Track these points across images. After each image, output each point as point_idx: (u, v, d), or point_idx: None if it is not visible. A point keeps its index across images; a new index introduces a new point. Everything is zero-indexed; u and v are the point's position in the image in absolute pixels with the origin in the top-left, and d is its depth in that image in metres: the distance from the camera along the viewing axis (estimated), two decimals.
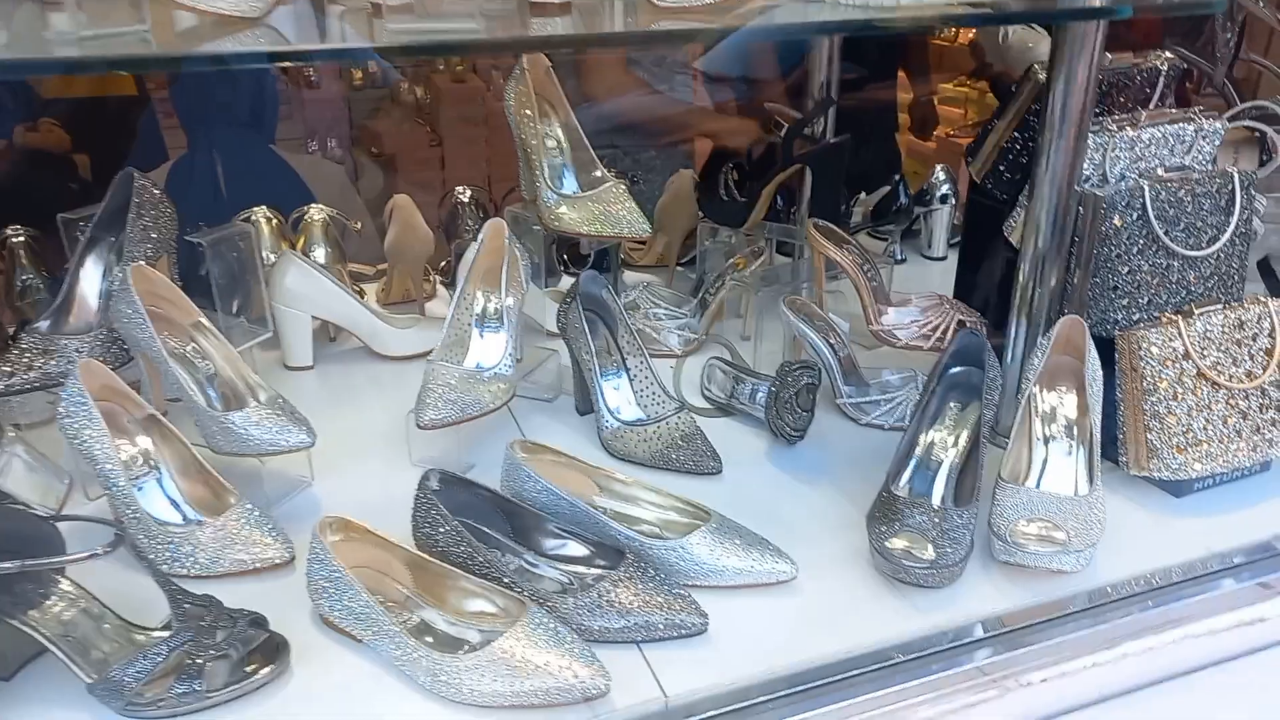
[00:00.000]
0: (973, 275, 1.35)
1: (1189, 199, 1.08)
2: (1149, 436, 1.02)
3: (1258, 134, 1.50)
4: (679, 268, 1.70)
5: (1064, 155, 1.03)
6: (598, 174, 1.22)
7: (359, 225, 1.49)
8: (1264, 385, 1.05)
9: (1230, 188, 1.10)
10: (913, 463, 1.01)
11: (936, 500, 0.98)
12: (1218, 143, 1.14)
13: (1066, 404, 1.04)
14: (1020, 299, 1.10)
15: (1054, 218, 1.05)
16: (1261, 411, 1.04)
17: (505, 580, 0.87)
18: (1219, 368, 1.03)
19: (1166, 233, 1.08)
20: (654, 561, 0.92)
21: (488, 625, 0.85)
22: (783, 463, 1.15)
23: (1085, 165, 1.08)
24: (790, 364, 1.17)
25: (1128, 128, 1.09)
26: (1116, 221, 1.06)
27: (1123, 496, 1.07)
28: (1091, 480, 0.97)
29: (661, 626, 0.85)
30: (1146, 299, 1.09)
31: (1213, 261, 1.11)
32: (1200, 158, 1.14)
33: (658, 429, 1.14)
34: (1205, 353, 1.03)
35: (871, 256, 1.34)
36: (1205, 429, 1.02)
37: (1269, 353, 1.06)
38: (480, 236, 1.17)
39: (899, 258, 1.83)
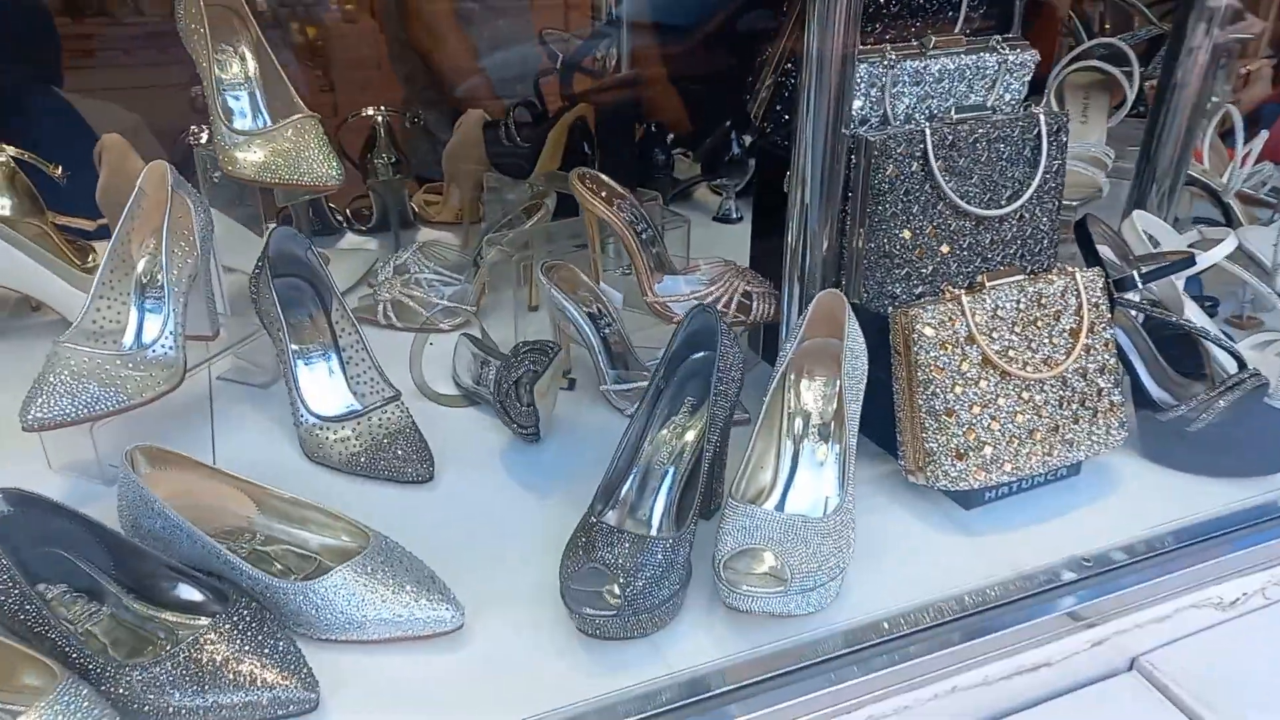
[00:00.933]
0: (765, 237, 1.16)
1: (984, 146, 0.90)
2: (924, 437, 0.85)
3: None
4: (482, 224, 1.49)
5: (826, 90, 0.83)
6: (295, 111, 0.99)
7: (59, 170, 1.25)
8: (1065, 374, 0.88)
9: (1036, 132, 0.92)
10: (634, 474, 0.81)
11: (656, 522, 0.79)
12: (1027, 78, 0.95)
13: (822, 398, 0.86)
14: (790, 267, 0.92)
15: (820, 168, 0.86)
16: (1062, 407, 0.87)
17: (55, 639, 0.66)
18: (1010, 353, 0.86)
19: (956, 187, 0.89)
20: (284, 610, 0.72)
21: (14, 702, 0.64)
22: (516, 465, 0.96)
23: (860, 103, 0.89)
24: (523, 344, 0.97)
25: (912, 57, 0.89)
26: (890, 172, 0.87)
27: (905, 508, 0.89)
28: (842, 495, 0.79)
29: (260, 704, 0.66)
30: (931, 268, 0.91)
31: (1015, 223, 0.93)
32: (1007, 96, 0.95)
33: (358, 426, 0.94)
34: (994, 335, 0.85)
35: (653, 214, 1.14)
36: (991, 428, 0.84)
37: (1074, 334, 0.88)
38: (138, 184, 0.94)
39: (734, 215, 1.64)
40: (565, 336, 1.08)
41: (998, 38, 0.93)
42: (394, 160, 1.40)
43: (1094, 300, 0.90)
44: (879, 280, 0.90)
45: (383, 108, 1.40)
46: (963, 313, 0.84)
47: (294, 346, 0.98)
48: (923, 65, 0.89)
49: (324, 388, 0.98)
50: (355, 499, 0.90)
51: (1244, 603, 0.88)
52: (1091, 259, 0.98)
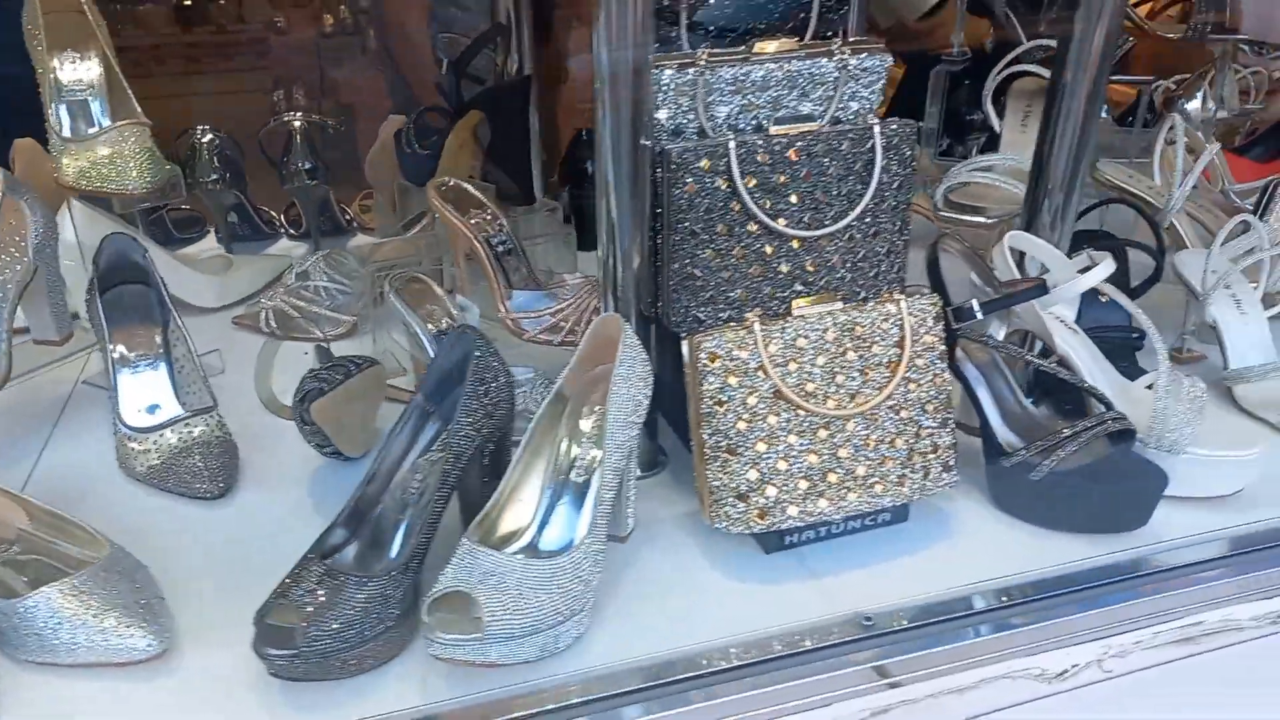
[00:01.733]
0: None
1: (804, 160, 0.82)
2: (707, 475, 0.78)
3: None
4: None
5: (619, 98, 0.77)
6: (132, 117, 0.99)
7: None
8: (876, 411, 0.79)
9: (870, 145, 0.84)
10: (383, 502, 0.77)
11: (394, 556, 0.74)
12: (879, 85, 0.87)
13: (599, 430, 0.80)
14: (604, 285, 0.86)
15: (622, 181, 0.80)
16: (869, 447, 0.79)
17: None
18: (809, 387, 0.78)
19: (770, 205, 0.82)
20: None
21: None
22: (325, 484, 0.93)
23: (666, 113, 0.82)
24: (335, 360, 0.94)
25: (730, 64, 0.82)
26: (689, 187, 0.80)
27: (701, 548, 0.83)
28: (588, 535, 0.73)
29: None
30: (740, 292, 0.83)
31: (843, 244, 0.85)
32: (854, 105, 0.87)
33: (160, 439, 0.92)
34: (791, 366, 0.78)
35: (511, 224, 1.10)
36: (777, 468, 0.77)
37: (892, 367, 0.80)
38: None
39: None
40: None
41: (838, 42, 0.85)
42: (309, 166, 1.40)
43: (923, 331, 0.81)
44: (684, 304, 0.83)
45: (299, 114, 1.40)
46: (754, 340, 0.77)
47: (125, 354, 0.98)
48: (743, 72, 0.82)
49: (151, 397, 0.97)
50: (150, 512, 0.89)
51: (1073, 675, 0.78)
52: (936, 284, 0.89)
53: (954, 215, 1.20)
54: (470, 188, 1.08)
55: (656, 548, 0.84)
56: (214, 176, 1.38)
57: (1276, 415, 0.98)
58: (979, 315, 0.83)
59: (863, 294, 0.87)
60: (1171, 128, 1.17)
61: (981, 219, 1.18)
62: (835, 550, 0.82)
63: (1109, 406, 0.85)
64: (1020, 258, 0.99)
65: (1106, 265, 0.88)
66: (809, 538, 0.82)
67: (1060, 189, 0.95)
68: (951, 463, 0.82)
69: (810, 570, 0.80)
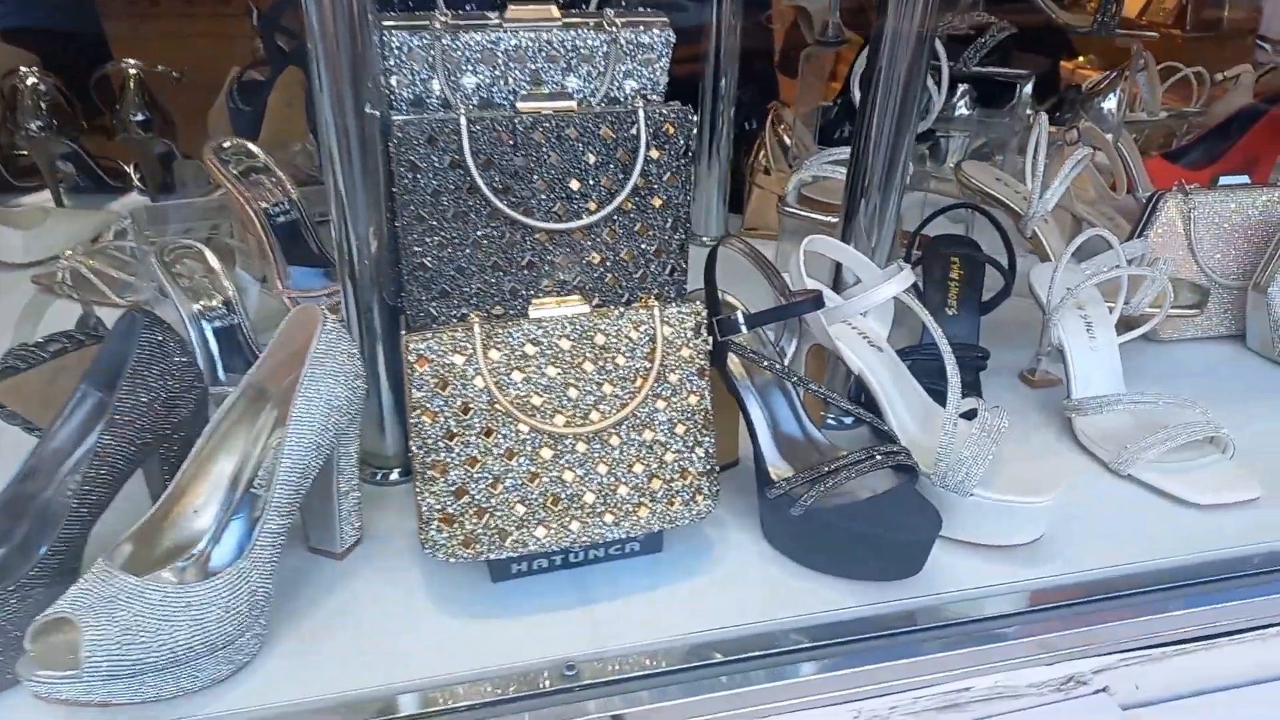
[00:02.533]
0: None
1: (552, 143, 0.72)
2: (416, 493, 0.69)
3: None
4: None
5: (340, 51, 0.67)
6: None
7: None
8: (615, 430, 0.70)
9: (635, 130, 0.74)
10: (39, 502, 0.69)
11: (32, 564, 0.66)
12: (661, 63, 0.77)
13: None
14: (340, 271, 0.77)
15: (347, 153, 0.71)
16: (606, 468, 0.70)
17: None
18: (536, 400, 0.69)
19: (514, 191, 0.72)
20: None
21: None
22: None
23: (405, 78, 0.73)
24: (54, 336, 0.84)
25: (477, 30, 0.72)
26: (414, 165, 0.71)
27: (427, 575, 0.74)
28: (258, 549, 0.64)
29: None
30: (476, 287, 0.74)
31: (604, 238, 0.75)
32: (631, 84, 0.77)
33: None
34: (516, 375, 0.69)
35: (312, 195, 1.00)
36: (491, 490, 0.68)
37: (637, 382, 0.71)
38: None
39: None
40: None
41: (611, 11, 0.75)
42: (142, 118, 1.30)
43: (680, 343, 0.72)
44: (416, 297, 0.74)
45: (135, 61, 1.30)
46: (472, 343, 0.68)
47: None
48: (491, 39, 0.73)
49: None
50: None
51: None
52: (710, 291, 0.79)
53: (799, 211, 1.10)
54: (255, 150, 0.98)
55: (374, 568, 0.75)
56: (39, 123, 1.29)
57: (1110, 452, 0.89)
58: (743, 328, 0.74)
59: (626, 297, 0.78)
60: (1044, 128, 1.07)
61: (832, 217, 1.08)
62: (572, 582, 0.73)
63: (888, 437, 0.76)
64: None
65: (903, 277, 0.79)
66: (540, 567, 0.73)
67: (877, 189, 0.85)
68: (707, 489, 0.73)
69: (537, 605, 0.72)
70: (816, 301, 0.74)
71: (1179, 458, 0.88)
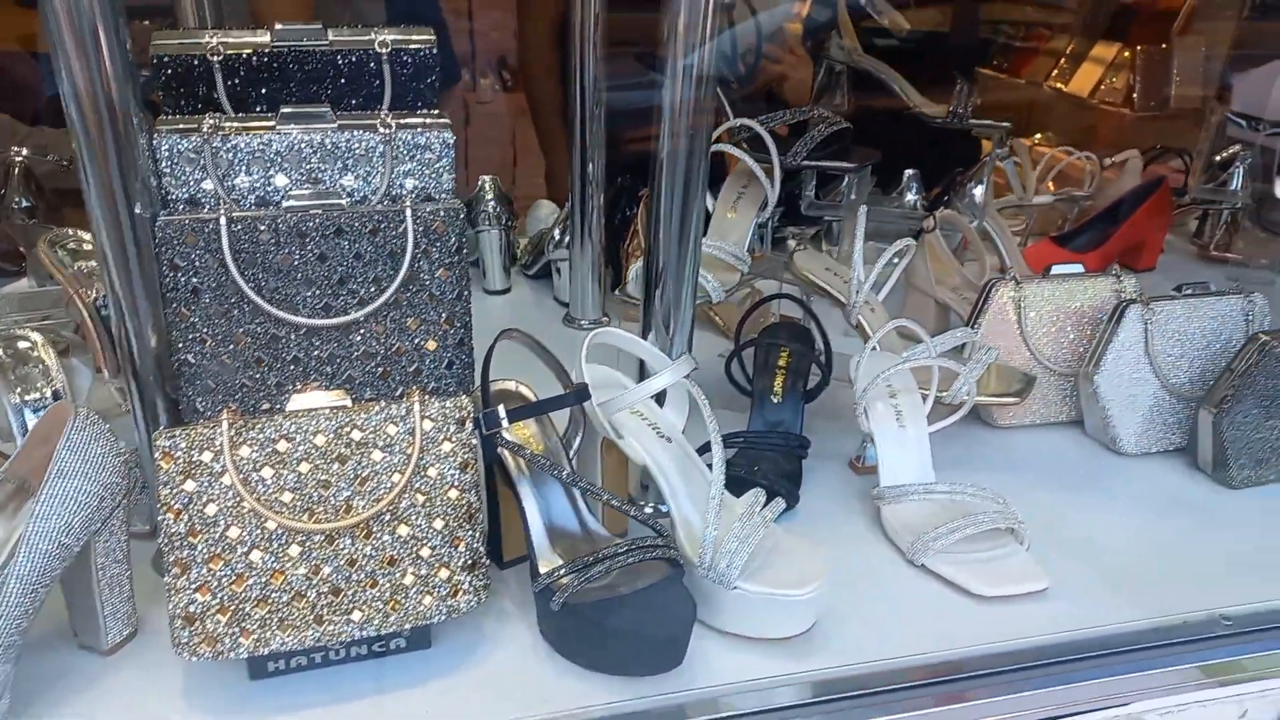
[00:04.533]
0: None
1: (321, 240, 0.75)
2: (164, 591, 0.69)
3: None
4: None
5: (106, 158, 0.70)
6: None
7: None
8: (367, 525, 0.71)
9: (403, 228, 0.76)
10: None
11: None
12: (443, 163, 0.80)
13: None
14: (123, 365, 0.78)
15: (116, 249, 0.72)
16: (355, 567, 0.71)
17: None
18: (283, 497, 0.70)
19: (275, 287, 0.74)
20: None
21: None
22: None
23: (178, 180, 0.75)
24: None
25: (247, 132, 0.75)
26: (174, 264, 0.72)
27: (188, 669, 0.74)
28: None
29: None
30: (244, 382, 0.76)
31: (374, 334, 0.77)
32: (411, 184, 0.79)
33: None
34: (265, 472, 0.70)
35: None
36: (231, 589, 0.68)
37: (395, 477, 0.72)
38: None
39: None
40: None
41: (387, 113, 0.78)
42: (26, 205, 1.33)
43: (442, 437, 0.73)
44: (186, 393, 0.76)
45: (23, 149, 1.33)
46: (221, 441, 0.69)
47: None
48: (263, 141, 0.75)
49: None
50: None
51: None
52: (484, 383, 0.81)
53: (631, 299, 1.12)
54: (88, 239, 1.01)
55: (138, 665, 0.75)
56: None
57: (909, 541, 0.90)
58: (505, 423, 0.75)
59: (400, 390, 0.79)
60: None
61: None
62: (331, 680, 0.73)
63: (654, 529, 0.76)
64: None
65: (678, 367, 0.81)
66: (299, 665, 0.73)
67: (671, 278, 0.87)
68: (469, 585, 0.74)
69: (289, 704, 0.71)
70: (579, 395, 0.76)
71: (975, 548, 0.88)
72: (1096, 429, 1.12)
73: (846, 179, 1.24)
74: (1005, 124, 1.35)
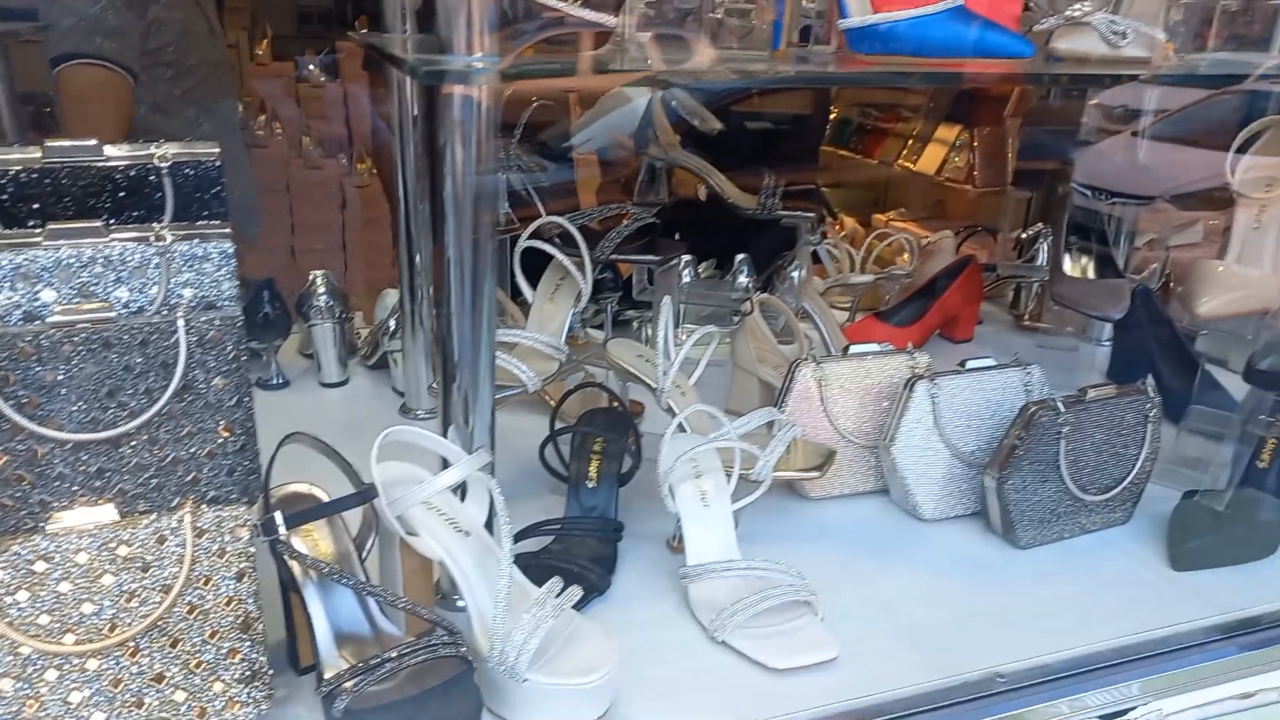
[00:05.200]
0: None
1: (87, 354, 0.74)
2: None
3: None
4: None
5: None
6: None
7: None
8: (135, 643, 0.69)
9: (176, 338, 0.76)
10: None
11: None
12: (223, 273, 0.81)
13: None
14: None
15: None
16: (119, 687, 0.69)
17: None
18: (41, 620, 0.68)
19: (36, 402, 0.73)
20: None
21: None
22: None
23: None
24: None
25: (14, 248, 0.75)
26: None
27: None
28: None
29: None
30: (7, 501, 0.74)
31: (146, 446, 0.76)
32: (189, 294, 0.80)
33: None
34: (20, 595, 0.67)
35: None
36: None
37: (165, 591, 0.71)
38: None
39: (276, 381, 1.49)
40: None
41: (159, 226, 0.79)
42: None
43: (214, 547, 0.72)
44: None
45: None
46: None
47: None
48: (28, 257, 0.75)
49: None
50: None
51: None
52: (265, 491, 0.81)
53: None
54: None
55: None
56: None
57: (709, 616, 0.92)
58: (282, 529, 0.75)
59: (175, 501, 0.78)
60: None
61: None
62: None
63: (443, 626, 0.77)
64: None
65: (470, 461, 0.82)
66: None
67: (468, 372, 0.89)
68: (247, 696, 0.72)
69: None
70: (362, 496, 0.77)
71: (771, 621, 0.92)
72: (899, 497, 1.18)
73: (656, 270, 1.29)
74: (810, 214, 1.44)
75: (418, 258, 1.34)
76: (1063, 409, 1.05)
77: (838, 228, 3.08)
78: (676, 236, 2.09)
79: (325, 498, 0.85)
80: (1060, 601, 1.02)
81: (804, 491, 1.20)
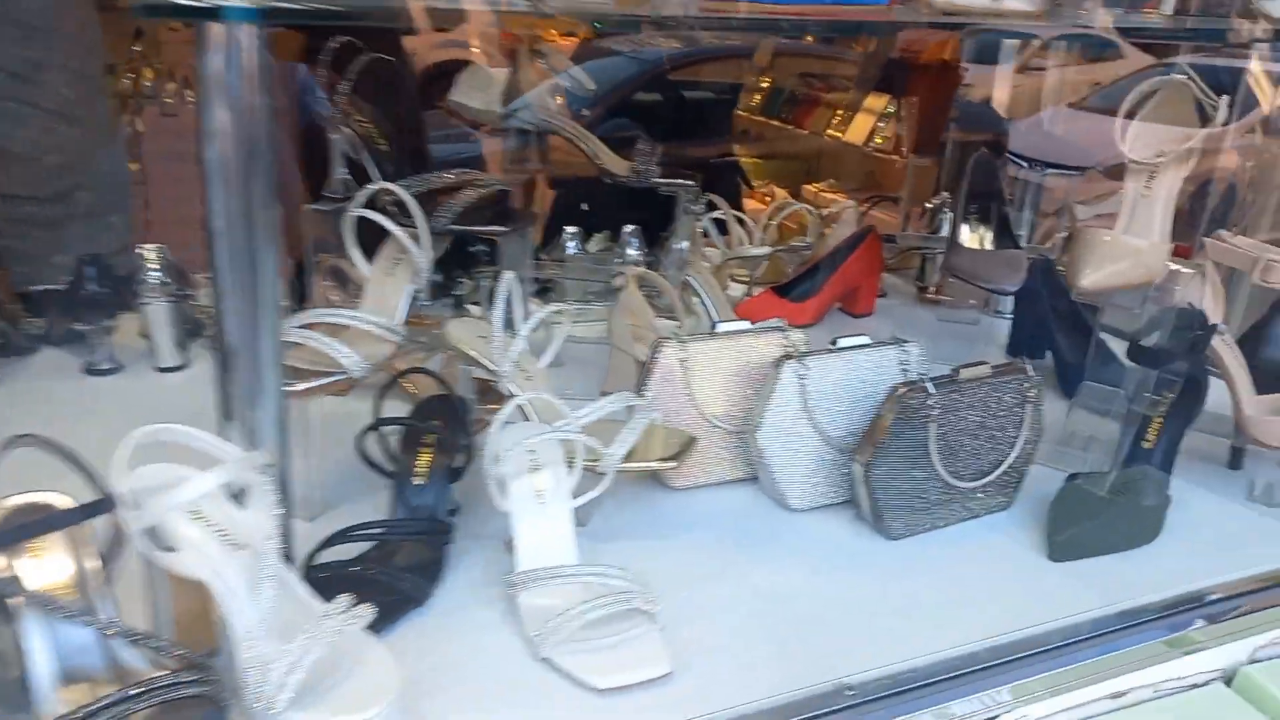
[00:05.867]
0: None
1: None
2: None
3: None
4: None
5: None
6: None
7: None
8: None
9: None
10: None
11: None
12: None
13: None
14: None
15: None
16: None
17: None
18: None
19: None
20: None
21: None
22: None
23: None
24: None
25: None
26: None
27: None
28: None
29: None
30: None
31: None
32: None
33: None
34: None
35: None
36: None
37: None
38: None
39: (105, 366, 1.35)
40: None
41: None
42: None
43: None
44: None
45: None
46: None
47: None
48: None
49: None
50: None
51: None
52: None
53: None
54: None
55: None
56: None
57: (536, 629, 0.82)
58: None
59: None
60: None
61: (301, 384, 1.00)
62: None
63: (196, 661, 0.66)
64: None
65: (232, 465, 0.71)
66: None
67: (247, 362, 0.78)
68: None
69: None
70: (90, 509, 0.65)
71: (604, 633, 0.82)
72: (767, 486, 1.09)
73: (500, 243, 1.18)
74: (690, 182, 1.33)
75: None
76: (933, 390, 0.97)
77: (768, 199, 2.99)
78: (585, 208, 1.99)
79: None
80: (931, 598, 0.95)
81: (668, 481, 1.11)
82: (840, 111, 4.05)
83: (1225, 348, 1.11)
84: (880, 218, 2.28)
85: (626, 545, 1.01)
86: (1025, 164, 1.87)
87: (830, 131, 4.03)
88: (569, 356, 1.36)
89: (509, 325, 1.02)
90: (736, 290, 1.85)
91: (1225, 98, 1.05)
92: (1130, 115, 1.12)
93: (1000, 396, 1.02)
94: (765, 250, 1.78)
